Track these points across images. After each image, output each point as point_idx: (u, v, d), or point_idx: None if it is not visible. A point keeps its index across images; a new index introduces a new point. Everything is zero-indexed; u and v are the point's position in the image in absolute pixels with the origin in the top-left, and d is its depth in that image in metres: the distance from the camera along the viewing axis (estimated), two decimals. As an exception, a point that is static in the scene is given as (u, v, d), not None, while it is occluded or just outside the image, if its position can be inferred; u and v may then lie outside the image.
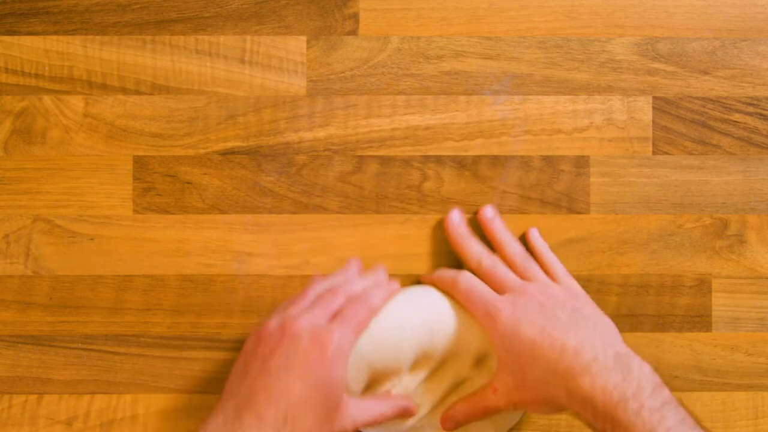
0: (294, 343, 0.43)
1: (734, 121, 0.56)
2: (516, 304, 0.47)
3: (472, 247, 0.52)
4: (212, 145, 0.55)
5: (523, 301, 0.48)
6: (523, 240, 0.54)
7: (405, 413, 0.49)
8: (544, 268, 0.52)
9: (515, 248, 0.52)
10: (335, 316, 0.46)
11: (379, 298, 0.48)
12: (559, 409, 0.46)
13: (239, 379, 0.45)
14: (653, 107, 0.56)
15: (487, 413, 0.48)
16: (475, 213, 0.54)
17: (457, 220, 0.53)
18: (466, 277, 0.50)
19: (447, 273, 0.51)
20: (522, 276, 0.50)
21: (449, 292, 0.50)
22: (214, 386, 0.54)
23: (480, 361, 0.51)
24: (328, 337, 0.44)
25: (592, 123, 0.56)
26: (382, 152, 0.55)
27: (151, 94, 0.55)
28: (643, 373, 0.44)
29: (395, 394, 0.49)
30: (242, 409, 0.42)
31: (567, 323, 0.46)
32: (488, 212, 0.53)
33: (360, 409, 0.46)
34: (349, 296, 0.48)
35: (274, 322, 0.46)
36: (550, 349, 0.45)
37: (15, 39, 0.55)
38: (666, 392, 0.43)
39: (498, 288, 0.49)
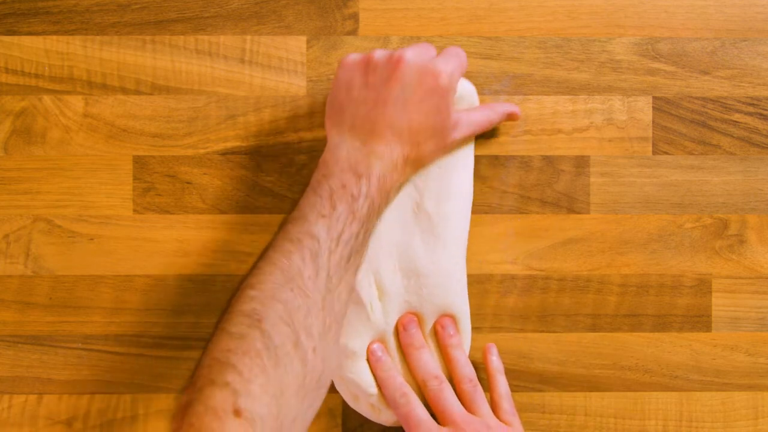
0: (407, 74, 0.46)
1: (734, 121, 0.56)
2: None
3: (423, 362, 0.50)
4: (212, 145, 0.55)
5: None
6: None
7: (510, 117, 0.53)
8: (492, 397, 0.50)
9: (467, 372, 0.50)
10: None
11: (460, 49, 0.50)
12: None
13: (353, 106, 0.47)
14: (653, 107, 0.56)
15: None
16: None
17: (412, 329, 0.51)
18: (408, 401, 0.48)
19: (393, 384, 0.49)
20: (467, 406, 0.49)
21: (389, 403, 0.49)
22: (214, 386, 0.54)
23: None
24: (439, 67, 0.46)
25: (592, 123, 0.56)
26: (382, 152, 0.55)
27: (151, 94, 0.55)
28: None
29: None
30: (368, 139, 0.46)
31: None
32: (448, 328, 0.51)
33: (469, 123, 0.50)
34: (431, 45, 0.50)
35: (379, 53, 0.47)
36: None
37: (15, 39, 0.55)
38: None
39: (440, 415, 0.48)
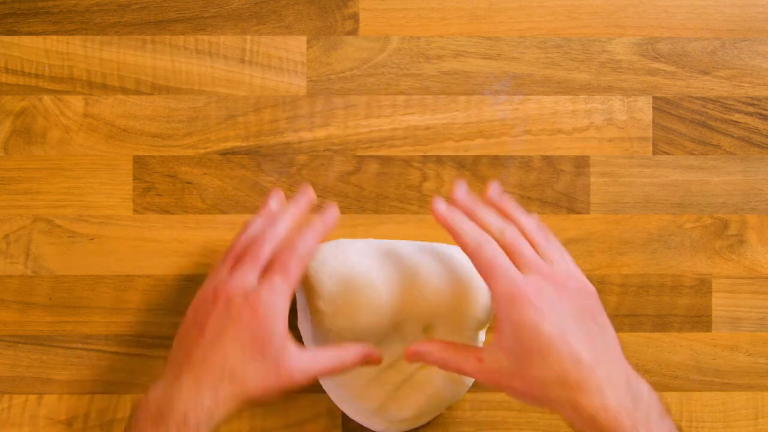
0: (226, 308, 0.44)
1: (734, 121, 0.56)
2: (542, 292, 0.44)
3: (488, 219, 0.46)
4: (212, 145, 0.55)
5: (548, 291, 0.44)
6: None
7: (368, 361, 0.47)
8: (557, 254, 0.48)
9: (533, 224, 0.47)
10: (265, 271, 0.46)
11: (307, 243, 0.46)
12: (548, 409, 0.45)
13: (178, 347, 0.46)
14: (653, 107, 0.56)
15: (457, 370, 0.46)
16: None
17: (443, 207, 0.46)
18: (492, 247, 0.45)
19: (472, 232, 0.45)
20: (542, 256, 0.46)
21: (465, 253, 0.46)
22: (214, 386, 0.54)
23: (428, 329, 0.51)
24: (258, 298, 0.44)
25: (592, 123, 0.56)
26: (382, 152, 0.55)
27: (151, 94, 0.55)
28: (652, 400, 0.43)
29: (355, 343, 0.48)
30: (181, 373, 0.43)
31: (585, 331, 0.44)
32: (495, 190, 0.48)
33: (310, 359, 0.45)
34: (275, 243, 0.47)
35: (208, 289, 0.46)
36: (566, 356, 0.42)
37: (15, 39, 0.55)
38: (669, 420, 0.43)
39: (520, 265, 0.45)
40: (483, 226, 0.46)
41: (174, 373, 0.44)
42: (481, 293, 0.50)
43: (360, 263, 0.49)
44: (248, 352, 0.43)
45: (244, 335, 0.44)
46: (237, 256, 0.47)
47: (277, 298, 0.44)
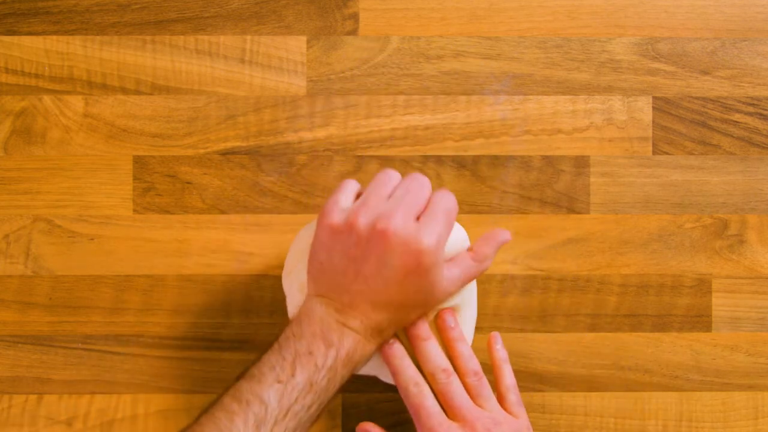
0: (389, 250, 0.43)
1: (734, 121, 0.56)
2: None
3: (432, 354, 0.48)
4: (212, 145, 0.55)
5: None
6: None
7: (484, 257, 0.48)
8: (498, 389, 0.50)
9: (471, 366, 0.49)
10: (419, 215, 0.45)
11: (449, 195, 0.46)
12: None
13: (332, 273, 0.45)
14: (653, 107, 0.56)
15: None
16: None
17: (423, 329, 0.48)
18: (420, 391, 0.47)
19: (406, 374, 0.47)
20: (473, 399, 0.48)
21: (401, 392, 0.48)
22: (214, 386, 0.54)
23: None
24: (423, 243, 0.43)
25: (592, 123, 0.56)
26: (382, 152, 0.55)
27: (151, 94, 0.55)
28: None
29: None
30: (345, 309, 0.44)
31: None
32: (449, 321, 0.49)
33: (455, 282, 0.46)
34: (420, 181, 0.46)
35: (362, 220, 0.44)
36: None
37: (15, 39, 0.55)
38: None
39: (448, 409, 0.47)
40: (423, 362, 0.48)
41: (338, 307, 0.44)
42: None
43: None
44: (412, 298, 0.45)
45: (410, 286, 0.44)
46: (387, 192, 0.45)
47: (439, 246, 0.44)
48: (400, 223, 0.43)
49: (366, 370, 0.50)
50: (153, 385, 0.55)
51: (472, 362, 0.49)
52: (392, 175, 0.46)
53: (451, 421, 0.47)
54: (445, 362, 0.48)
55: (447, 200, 0.45)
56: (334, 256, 0.44)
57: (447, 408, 0.47)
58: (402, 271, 0.43)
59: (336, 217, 0.44)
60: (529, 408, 0.55)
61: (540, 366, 0.55)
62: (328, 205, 0.45)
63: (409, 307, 0.45)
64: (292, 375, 0.42)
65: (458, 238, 0.48)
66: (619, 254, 0.56)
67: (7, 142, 0.55)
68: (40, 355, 0.54)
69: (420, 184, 0.45)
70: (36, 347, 0.55)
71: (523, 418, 0.49)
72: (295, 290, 0.48)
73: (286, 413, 0.41)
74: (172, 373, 0.55)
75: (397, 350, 0.48)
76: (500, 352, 0.51)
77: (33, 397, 0.54)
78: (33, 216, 0.55)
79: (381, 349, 0.48)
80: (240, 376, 0.42)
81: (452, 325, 0.49)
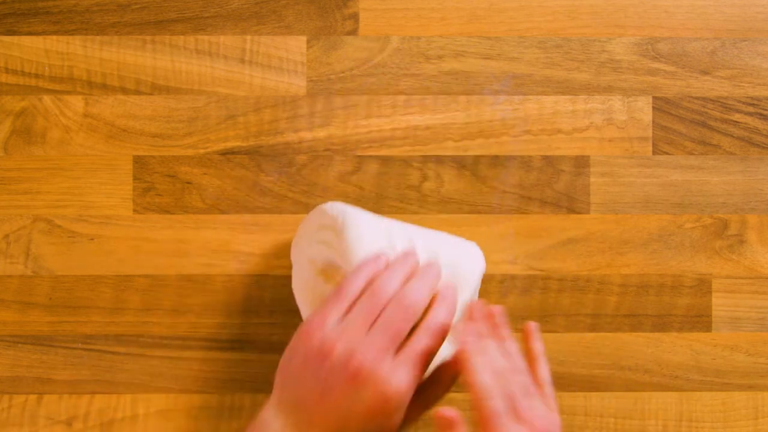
0: (359, 388, 0.43)
1: (734, 121, 0.56)
2: None
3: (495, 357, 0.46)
4: (212, 145, 0.55)
5: None
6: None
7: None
8: (534, 382, 0.48)
9: (544, 375, 0.48)
10: (399, 346, 0.44)
11: (444, 315, 0.45)
12: None
13: (300, 385, 0.45)
14: (653, 107, 0.56)
15: None
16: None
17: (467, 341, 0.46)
18: (496, 403, 0.44)
19: (489, 396, 0.44)
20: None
21: (474, 407, 0.45)
22: (214, 386, 0.54)
23: None
24: (391, 389, 0.43)
25: (592, 123, 0.56)
26: (382, 152, 0.55)
27: (151, 94, 0.55)
28: None
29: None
30: (302, 426, 0.44)
31: None
32: (533, 327, 0.49)
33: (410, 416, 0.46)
34: (408, 311, 0.45)
35: (339, 349, 0.44)
36: None
37: (15, 39, 0.55)
38: None
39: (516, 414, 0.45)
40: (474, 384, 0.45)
41: (294, 422, 0.44)
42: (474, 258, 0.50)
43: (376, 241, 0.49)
44: (370, 425, 0.44)
45: (371, 425, 0.43)
46: (373, 309, 0.45)
47: (409, 389, 0.43)
48: (376, 363, 0.43)
49: None
50: (153, 385, 0.55)
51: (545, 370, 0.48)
52: (385, 283, 0.45)
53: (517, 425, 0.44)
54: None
55: (433, 333, 0.44)
56: (305, 371, 0.44)
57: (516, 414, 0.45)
58: (366, 409, 0.43)
59: (317, 337, 0.44)
60: (529, 408, 0.55)
61: (540, 366, 0.55)
62: (315, 322, 0.44)
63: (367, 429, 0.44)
64: None
65: (439, 356, 0.48)
66: (619, 254, 0.56)
67: (7, 142, 0.55)
68: (40, 355, 0.54)
69: (405, 309, 0.45)
70: (36, 347, 0.55)
71: (556, 412, 0.48)
72: (304, 261, 0.50)
73: None
74: (172, 373, 0.55)
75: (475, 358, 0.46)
76: (539, 346, 0.49)
77: (33, 397, 0.54)
78: (33, 216, 0.55)
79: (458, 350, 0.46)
80: None
81: (535, 331, 0.49)
